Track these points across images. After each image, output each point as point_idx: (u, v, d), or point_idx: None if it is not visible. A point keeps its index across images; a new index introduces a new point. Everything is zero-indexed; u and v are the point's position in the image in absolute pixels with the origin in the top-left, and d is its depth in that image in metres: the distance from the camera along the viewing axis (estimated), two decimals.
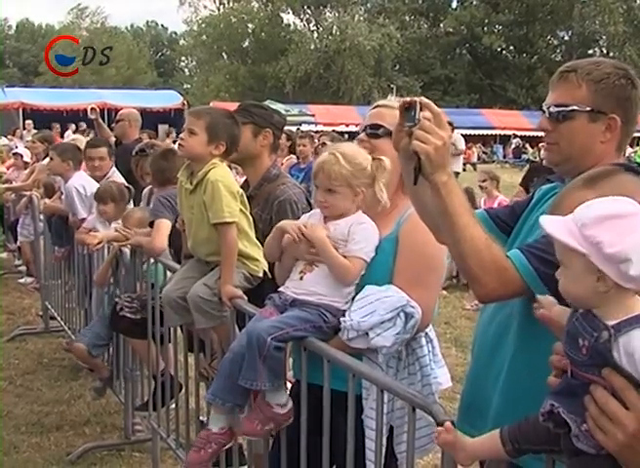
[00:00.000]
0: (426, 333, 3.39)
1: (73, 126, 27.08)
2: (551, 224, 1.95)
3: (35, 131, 16.20)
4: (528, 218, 2.89)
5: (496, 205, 10.91)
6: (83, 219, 7.17)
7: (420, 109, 2.47)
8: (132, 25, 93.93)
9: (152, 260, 5.38)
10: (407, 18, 71.40)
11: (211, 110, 4.37)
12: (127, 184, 6.99)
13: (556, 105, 2.68)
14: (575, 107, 2.63)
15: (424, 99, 2.49)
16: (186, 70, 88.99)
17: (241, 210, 4.09)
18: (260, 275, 4.15)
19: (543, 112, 2.73)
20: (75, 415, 6.68)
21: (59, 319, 8.69)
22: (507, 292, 2.51)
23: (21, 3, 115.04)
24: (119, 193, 6.57)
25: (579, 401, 1.93)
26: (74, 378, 7.58)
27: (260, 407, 3.35)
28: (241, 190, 4.17)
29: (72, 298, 8.14)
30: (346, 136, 17.82)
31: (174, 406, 5.23)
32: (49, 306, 9.17)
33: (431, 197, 2.50)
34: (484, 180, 12.11)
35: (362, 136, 3.53)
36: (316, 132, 16.90)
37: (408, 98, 2.52)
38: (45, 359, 8.25)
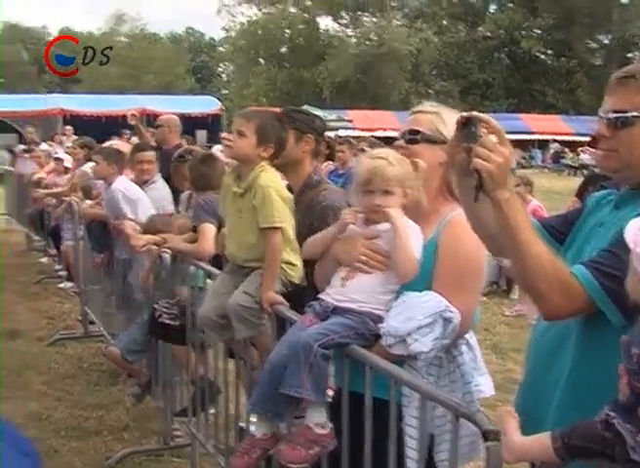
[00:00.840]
0: (467, 341, 3.35)
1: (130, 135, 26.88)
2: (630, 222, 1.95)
3: (75, 137, 16.28)
4: (583, 226, 2.85)
5: (529, 210, 10.84)
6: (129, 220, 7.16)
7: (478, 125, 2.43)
8: (171, 32, 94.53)
9: (192, 267, 5.38)
10: (445, 22, 71.32)
11: (260, 113, 4.35)
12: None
13: (615, 111, 2.61)
14: (635, 113, 2.57)
15: (484, 115, 2.44)
16: (224, 76, 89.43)
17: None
18: (296, 281, 4.13)
19: (601, 118, 2.67)
20: (114, 420, 6.68)
21: (98, 324, 8.73)
22: (574, 309, 2.47)
23: (62, 12, 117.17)
24: (164, 225, 6.56)
25: (635, 411, 1.90)
26: (113, 383, 7.59)
27: (299, 431, 3.31)
28: (291, 195, 4.17)
29: (112, 303, 8.16)
30: (391, 141, 17.69)
31: (213, 411, 5.23)
32: (88, 311, 9.21)
33: (493, 213, 2.46)
34: (517, 185, 11.98)
35: (400, 142, 3.51)
36: (354, 137, 16.84)
37: (465, 113, 2.48)
38: (84, 363, 8.27)
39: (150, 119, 20.32)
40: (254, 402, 3.43)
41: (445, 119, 3.40)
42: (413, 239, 3.23)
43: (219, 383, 5.35)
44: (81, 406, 7.01)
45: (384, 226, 3.30)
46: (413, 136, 3.46)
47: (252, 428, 3.61)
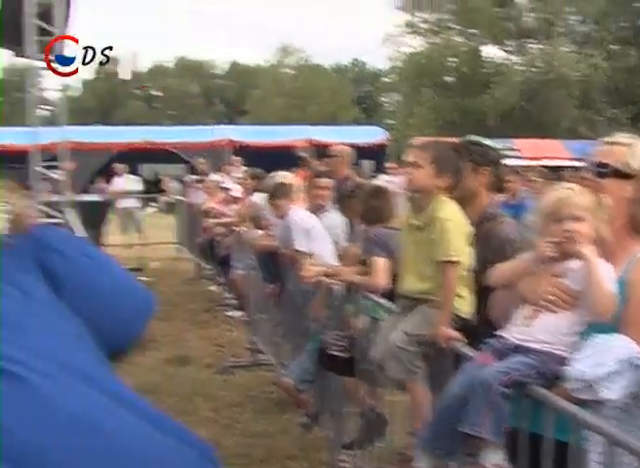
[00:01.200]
0: None
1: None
2: None
3: (245, 168, 16.55)
4: None
5: None
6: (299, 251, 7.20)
7: None
8: (336, 63, 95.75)
9: (362, 299, 5.37)
10: (614, 47, 69.48)
11: (435, 143, 4.33)
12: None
13: None
14: None
15: None
16: (388, 106, 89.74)
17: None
18: (464, 315, 4.05)
19: None
20: (282, 449, 6.68)
21: (266, 353, 8.82)
22: None
23: (232, 46, 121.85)
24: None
25: None
26: (280, 412, 7.60)
27: None
28: (471, 229, 4.10)
29: (279, 333, 8.24)
30: (559, 171, 17.21)
31: (382, 444, 5.18)
32: (257, 340, 9.33)
33: None
34: None
35: (588, 174, 3.40)
36: (523, 167, 16.50)
37: None
38: (252, 392, 8.34)
39: (318, 149, 20.48)
40: (425, 439, 3.39)
41: (636, 151, 3.27)
42: (606, 276, 3.12)
43: (387, 415, 5.31)
44: (248, 433, 7.06)
45: (574, 264, 3.20)
46: (602, 170, 3.34)
47: (415, 461, 3.57)
